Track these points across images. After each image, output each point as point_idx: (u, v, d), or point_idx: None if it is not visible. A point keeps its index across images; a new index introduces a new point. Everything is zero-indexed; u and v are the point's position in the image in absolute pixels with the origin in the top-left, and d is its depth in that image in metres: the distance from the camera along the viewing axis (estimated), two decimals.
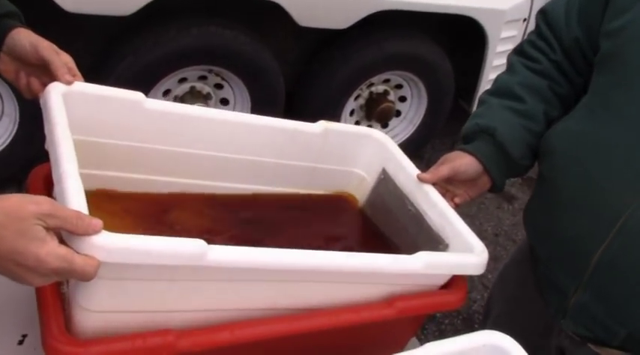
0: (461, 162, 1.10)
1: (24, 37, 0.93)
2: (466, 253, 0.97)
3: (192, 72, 2.55)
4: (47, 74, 0.93)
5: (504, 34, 3.00)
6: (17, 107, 2.34)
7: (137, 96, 1.00)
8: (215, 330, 0.79)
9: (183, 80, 2.57)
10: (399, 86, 3.09)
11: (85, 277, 0.67)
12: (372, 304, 0.90)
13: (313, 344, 0.90)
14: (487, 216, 3.13)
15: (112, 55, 2.41)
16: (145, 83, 2.45)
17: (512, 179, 3.38)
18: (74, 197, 0.72)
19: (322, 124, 1.15)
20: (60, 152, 0.79)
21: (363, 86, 2.97)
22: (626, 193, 0.96)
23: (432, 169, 1.11)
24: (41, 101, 0.91)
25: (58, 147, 0.80)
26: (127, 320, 0.77)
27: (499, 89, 1.18)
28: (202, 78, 2.61)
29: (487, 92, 1.20)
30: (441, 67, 3.04)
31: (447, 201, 1.08)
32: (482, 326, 1.41)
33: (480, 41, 3.01)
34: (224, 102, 2.71)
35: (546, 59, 1.14)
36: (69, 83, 0.92)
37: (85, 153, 0.90)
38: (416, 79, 3.04)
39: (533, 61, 1.16)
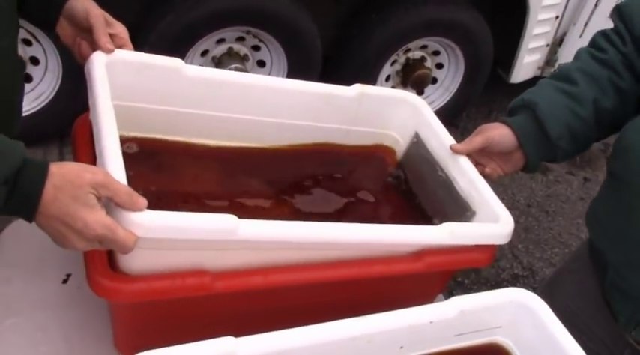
0: (495, 132, 1.09)
1: (80, 3, 0.97)
2: (491, 223, 0.98)
3: (230, 33, 2.56)
4: None
5: (546, 1, 2.93)
6: (60, 63, 2.39)
7: (176, 62, 1.03)
8: (249, 274, 0.83)
9: (221, 41, 2.58)
10: (436, 53, 3.06)
11: (124, 249, 0.72)
12: (402, 257, 0.92)
13: (343, 294, 0.93)
14: (520, 187, 3.11)
15: (152, 14, 2.44)
16: (183, 43, 2.47)
17: None
18: (115, 175, 0.75)
19: (357, 88, 1.16)
20: (101, 126, 0.83)
21: (400, 51, 2.94)
22: None
23: (466, 140, 1.10)
24: (85, 70, 0.94)
25: (100, 121, 0.84)
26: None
27: (557, 73, 1.15)
28: (240, 39, 2.62)
29: (547, 77, 1.18)
30: (480, 35, 2.99)
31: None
32: None
33: (520, 8, 2.95)
34: (261, 64, 2.72)
35: (614, 50, 1.11)
36: (109, 52, 0.95)
37: (126, 118, 0.95)
38: (454, 45, 3.00)
39: (600, 50, 1.12)
